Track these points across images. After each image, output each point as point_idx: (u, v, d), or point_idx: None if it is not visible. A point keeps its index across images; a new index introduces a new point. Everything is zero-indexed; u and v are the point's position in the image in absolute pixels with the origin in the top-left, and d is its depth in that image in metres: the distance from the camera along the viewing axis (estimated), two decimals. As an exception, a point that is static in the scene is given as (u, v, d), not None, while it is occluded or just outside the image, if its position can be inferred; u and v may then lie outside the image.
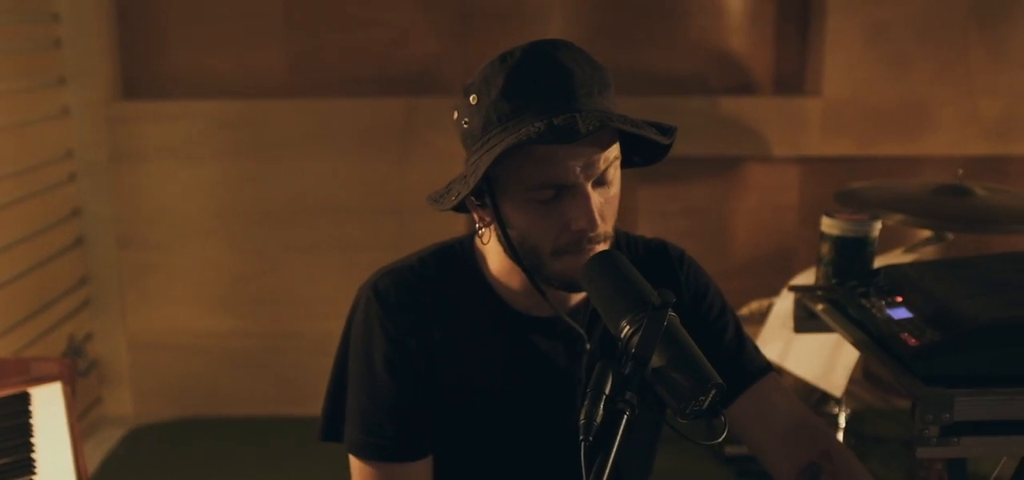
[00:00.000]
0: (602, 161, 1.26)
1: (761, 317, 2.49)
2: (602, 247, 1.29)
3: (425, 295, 1.41)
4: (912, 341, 1.48)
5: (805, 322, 1.82)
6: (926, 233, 2.63)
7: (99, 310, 3.45)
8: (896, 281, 1.67)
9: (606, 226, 1.29)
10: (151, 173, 3.37)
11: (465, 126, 1.32)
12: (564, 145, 1.22)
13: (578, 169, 1.25)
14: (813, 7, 3.40)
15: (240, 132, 3.36)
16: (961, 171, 2.61)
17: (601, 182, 1.28)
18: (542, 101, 1.25)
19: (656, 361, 1.12)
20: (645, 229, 3.42)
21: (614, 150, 1.29)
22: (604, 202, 1.29)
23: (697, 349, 1.13)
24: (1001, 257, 1.67)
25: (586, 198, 1.25)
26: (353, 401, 1.42)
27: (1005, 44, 3.37)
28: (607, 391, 1.08)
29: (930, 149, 3.44)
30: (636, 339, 1.12)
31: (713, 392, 1.10)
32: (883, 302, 1.63)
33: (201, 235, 3.43)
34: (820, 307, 1.77)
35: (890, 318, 1.57)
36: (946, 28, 3.36)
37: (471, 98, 1.30)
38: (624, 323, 1.16)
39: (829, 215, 1.85)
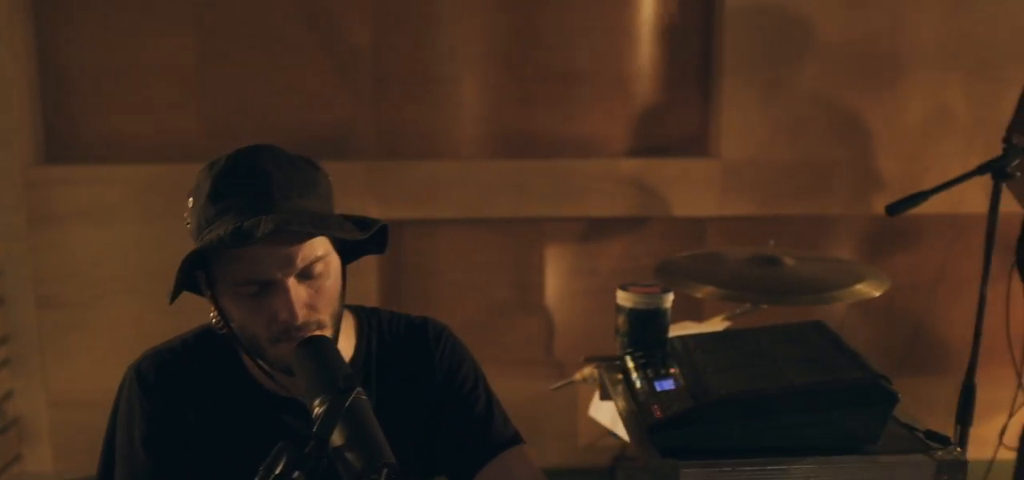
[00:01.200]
0: (301, 258, 1.35)
1: (595, 381, 2.55)
2: (318, 333, 1.36)
3: (183, 376, 1.49)
4: (658, 413, 1.54)
5: (603, 390, 1.88)
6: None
7: (19, 369, 3.54)
8: (675, 353, 1.73)
9: (318, 314, 1.37)
10: (70, 234, 3.47)
11: (188, 226, 1.41)
12: (264, 245, 1.30)
13: (275, 267, 1.33)
14: (712, 70, 3.48)
15: (156, 195, 3.46)
16: (772, 242, 2.66)
17: (306, 275, 1.36)
18: (240, 204, 1.34)
19: (336, 440, 1.19)
20: (551, 288, 3.52)
21: (319, 246, 1.37)
22: (314, 293, 1.37)
23: (377, 430, 1.21)
24: (771, 329, 1.72)
25: (286, 292, 1.34)
26: (118, 476, 1.49)
27: (901, 105, 3.43)
28: (277, 471, 1.14)
29: (829, 209, 3.50)
30: (320, 419, 1.19)
31: (385, 471, 1.16)
32: (657, 373, 1.69)
33: (119, 294, 3.52)
34: (612, 376, 1.83)
35: (653, 389, 1.63)
36: (841, 89, 3.43)
37: (189, 201, 1.40)
38: (315, 404, 1.24)
39: (623, 288, 1.91)
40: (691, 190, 3.49)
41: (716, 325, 2.54)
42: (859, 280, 2.38)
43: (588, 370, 2.31)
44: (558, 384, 2.71)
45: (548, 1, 3.46)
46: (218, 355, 1.51)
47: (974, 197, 2.65)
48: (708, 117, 3.52)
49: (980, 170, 2.25)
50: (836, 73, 3.41)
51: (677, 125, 3.57)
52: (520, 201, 3.47)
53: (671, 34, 3.49)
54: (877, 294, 2.40)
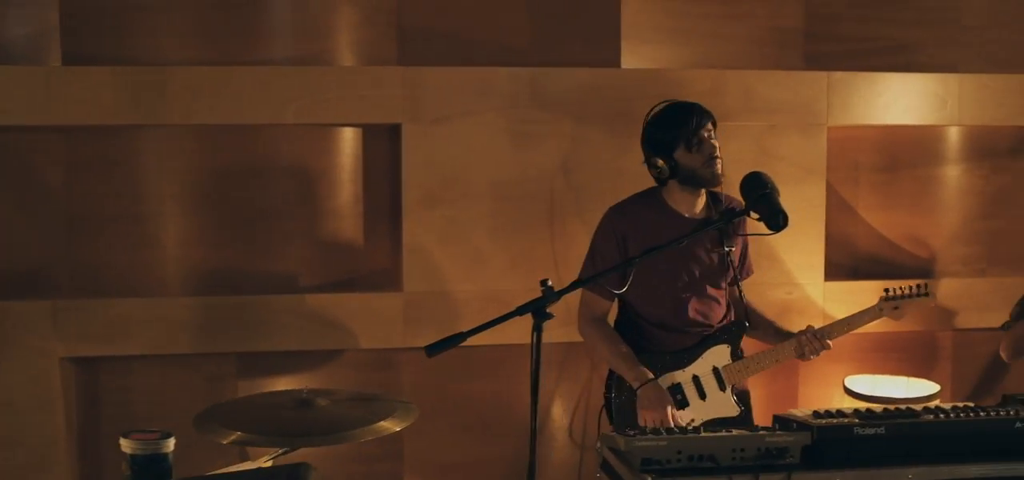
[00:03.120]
0: None
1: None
2: None
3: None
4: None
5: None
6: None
7: None
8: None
9: None
10: None
11: None
12: None
13: None
14: (400, 207, 3.63)
15: None
16: (305, 390, 2.78)
17: None
18: None
19: None
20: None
21: None
22: None
23: None
24: (255, 472, 1.82)
25: None
26: None
27: (580, 239, 3.63)
28: None
29: (512, 339, 3.64)
30: None
31: None
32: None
33: None
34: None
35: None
36: (520, 223, 3.62)
37: None
38: None
39: (125, 435, 2.00)
40: (376, 322, 3.60)
41: (263, 463, 2.63)
42: (385, 416, 2.50)
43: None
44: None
45: (244, 142, 3.60)
46: None
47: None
48: (397, 252, 3.66)
49: (520, 311, 2.40)
50: (512, 210, 3.60)
51: (367, 261, 3.71)
52: (212, 337, 3.53)
53: (367, 173, 3.66)
54: (399, 428, 2.52)
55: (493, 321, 2.47)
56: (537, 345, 2.39)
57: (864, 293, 3.90)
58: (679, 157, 2.99)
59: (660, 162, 3.01)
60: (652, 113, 3.08)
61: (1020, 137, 4.07)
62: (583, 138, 3.65)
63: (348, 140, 3.69)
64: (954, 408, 2.30)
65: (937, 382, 3.92)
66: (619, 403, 3.05)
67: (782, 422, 2.31)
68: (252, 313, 3.56)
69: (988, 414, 2.28)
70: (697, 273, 3.05)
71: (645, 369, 2.98)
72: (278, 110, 3.50)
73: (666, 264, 3.02)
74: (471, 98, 3.59)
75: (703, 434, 2.16)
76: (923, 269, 4.03)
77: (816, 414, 2.30)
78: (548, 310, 2.37)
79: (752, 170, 2.86)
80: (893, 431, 2.19)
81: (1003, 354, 3.58)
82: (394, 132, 3.60)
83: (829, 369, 3.91)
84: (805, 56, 3.93)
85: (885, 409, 2.29)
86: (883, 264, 4.03)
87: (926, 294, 3.26)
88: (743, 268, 3.23)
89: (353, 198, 3.69)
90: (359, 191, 3.69)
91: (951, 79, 3.90)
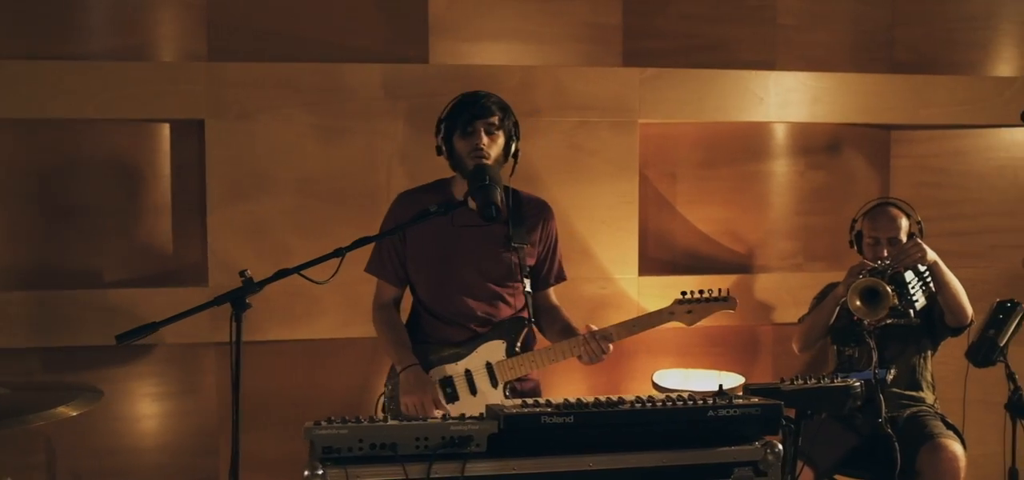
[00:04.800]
0: None
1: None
2: None
3: None
4: None
5: None
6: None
7: None
8: None
9: None
10: None
11: None
12: None
13: None
14: (206, 203, 3.64)
15: None
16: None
17: None
18: None
19: None
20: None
21: None
22: None
23: None
24: None
25: None
26: None
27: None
28: None
29: (321, 334, 3.67)
30: None
31: None
32: None
33: None
34: None
35: None
36: (327, 219, 3.63)
37: None
38: None
39: None
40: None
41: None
42: (63, 402, 2.51)
43: None
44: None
45: (60, 137, 3.59)
46: None
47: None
48: (205, 249, 3.67)
49: (217, 301, 2.41)
50: (312, 205, 3.62)
51: (177, 257, 3.71)
52: (12, 332, 3.51)
53: (173, 171, 3.67)
54: (75, 414, 2.53)
55: (186, 312, 2.46)
56: (238, 335, 2.39)
57: (679, 288, 3.95)
58: (455, 143, 3.01)
59: (439, 144, 3.04)
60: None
61: (836, 135, 4.13)
62: (389, 134, 3.67)
63: (161, 136, 3.69)
64: (652, 398, 2.33)
65: (760, 377, 3.98)
66: (390, 389, 3.07)
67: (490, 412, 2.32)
68: (55, 308, 3.55)
69: (686, 403, 2.32)
70: (478, 269, 3.05)
71: (411, 355, 3.00)
72: (86, 104, 3.50)
73: (444, 257, 3.04)
74: (276, 93, 3.60)
75: (390, 423, 2.18)
76: (741, 264, 4.09)
77: (524, 404, 2.32)
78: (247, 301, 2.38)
79: (478, 165, 2.87)
80: (583, 420, 2.22)
81: (795, 346, 3.64)
82: (200, 128, 3.61)
83: (651, 364, 3.96)
84: (624, 53, 3.96)
85: (580, 400, 2.31)
86: (702, 259, 4.08)
87: (726, 300, 3.12)
88: (546, 269, 3.18)
89: (165, 194, 3.70)
90: (169, 187, 3.69)
91: (768, 77, 3.95)
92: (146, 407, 3.70)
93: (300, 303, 3.65)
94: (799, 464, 3.31)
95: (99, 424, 3.57)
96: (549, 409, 2.22)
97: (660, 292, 3.80)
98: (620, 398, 2.31)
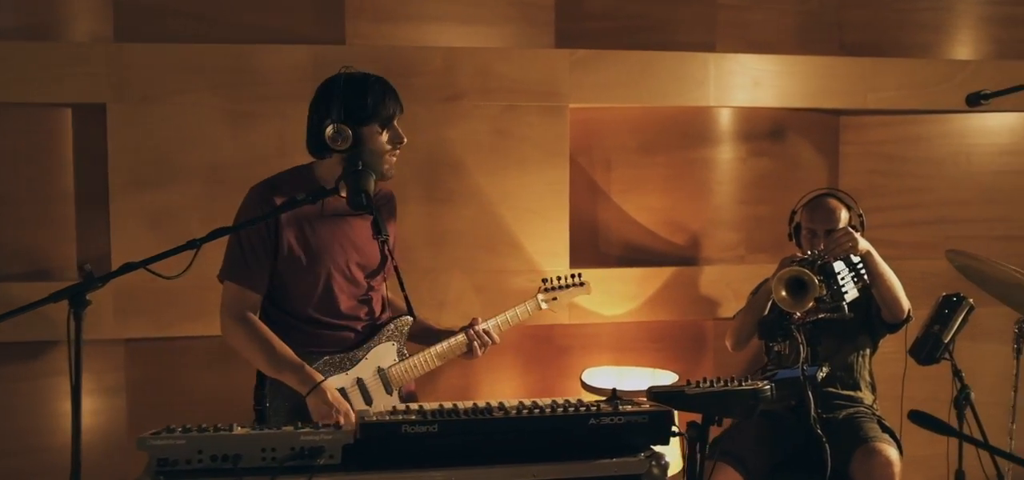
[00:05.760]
0: None
1: None
2: None
3: None
4: None
5: None
6: None
7: None
8: None
9: None
10: None
11: None
12: None
13: None
14: (108, 194, 3.46)
15: None
16: None
17: None
18: None
19: None
20: None
21: None
22: None
23: None
24: None
25: None
26: None
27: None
28: None
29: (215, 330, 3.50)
30: None
31: None
32: None
33: None
34: None
35: None
36: (237, 208, 3.44)
37: None
38: None
39: None
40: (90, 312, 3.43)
41: None
42: None
43: None
44: None
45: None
46: None
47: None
48: (110, 238, 3.49)
49: (54, 297, 2.18)
50: (218, 194, 3.43)
51: (81, 248, 3.54)
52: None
53: (77, 158, 3.49)
54: None
55: (23, 308, 2.24)
56: (78, 333, 2.16)
57: (615, 280, 3.78)
58: (367, 134, 2.65)
59: (347, 130, 2.60)
60: (349, 74, 2.68)
61: (780, 120, 3.94)
62: (303, 119, 3.45)
63: (63, 121, 3.51)
64: (528, 404, 2.15)
65: (703, 374, 3.79)
66: (275, 409, 2.69)
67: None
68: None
69: (566, 410, 2.13)
70: (355, 263, 2.77)
71: (312, 371, 2.66)
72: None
73: (320, 253, 2.73)
74: (182, 76, 3.42)
75: (235, 432, 2.00)
76: (681, 256, 3.91)
77: (392, 411, 2.14)
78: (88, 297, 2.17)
79: (352, 152, 2.58)
80: (448, 429, 2.04)
81: (728, 343, 3.46)
82: (102, 112, 3.43)
83: (586, 362, 3.78)
84: (557, 34, 3.77)
85: (455, 405, 2.14)
86: (639, 251, 3.90)
87: (580, 284, 3.16)
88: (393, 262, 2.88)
89: (67, 181, 3.52)
90: (72, 175, 3.51)
91: (709, 59, 3.76)
92: (54, 406, 3.54)
93: (213, 296, 3.47)
94: (726, 468, 3.16)
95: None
96: (412, 416, 2.04)
97: (596, 285, 3.62)
98: (495, 404, 2.13)
